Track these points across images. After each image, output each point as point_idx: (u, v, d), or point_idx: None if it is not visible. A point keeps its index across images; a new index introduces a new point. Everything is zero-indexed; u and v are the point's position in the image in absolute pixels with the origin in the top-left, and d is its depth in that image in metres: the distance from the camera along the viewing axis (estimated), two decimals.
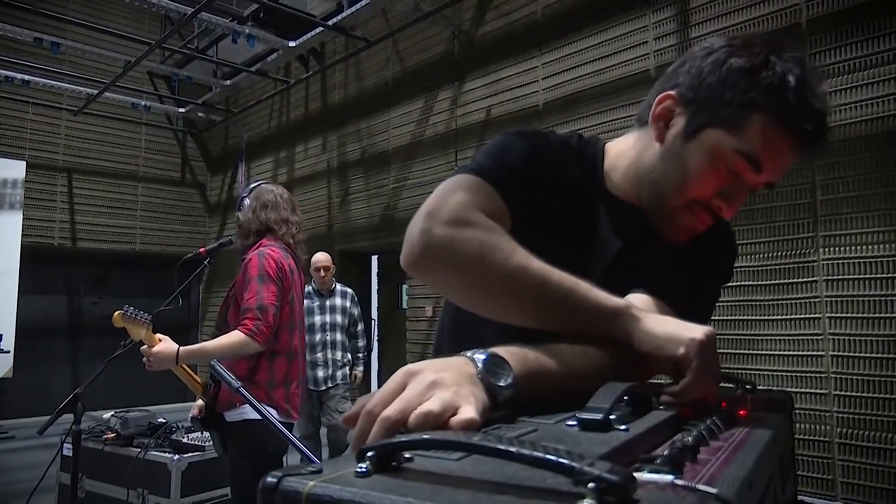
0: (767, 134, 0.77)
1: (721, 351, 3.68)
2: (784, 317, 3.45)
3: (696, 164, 0.81)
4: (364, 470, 0.37)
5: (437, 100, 5.71)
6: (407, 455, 0.40)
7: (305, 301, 3.40)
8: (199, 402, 2.30)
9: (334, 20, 5.72)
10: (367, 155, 6.39)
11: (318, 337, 4.22)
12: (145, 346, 2.06)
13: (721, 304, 3.65)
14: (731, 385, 0.77)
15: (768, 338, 3.50)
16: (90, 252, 7.80)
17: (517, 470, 0.38)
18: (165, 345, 2.08)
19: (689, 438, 0.51)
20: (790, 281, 3.46)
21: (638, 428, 0.52)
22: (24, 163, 7.25)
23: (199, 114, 8.10)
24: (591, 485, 0.32)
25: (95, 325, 7.72)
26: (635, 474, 0.38)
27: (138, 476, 2.86)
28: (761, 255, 3.57)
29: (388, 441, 0.39)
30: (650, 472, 0.40)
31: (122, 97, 7.28)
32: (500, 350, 0.60)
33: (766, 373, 3.48)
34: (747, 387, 0.77)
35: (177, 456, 2.91)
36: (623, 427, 0.51)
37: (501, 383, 0.56)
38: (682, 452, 0.46)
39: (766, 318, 3.52)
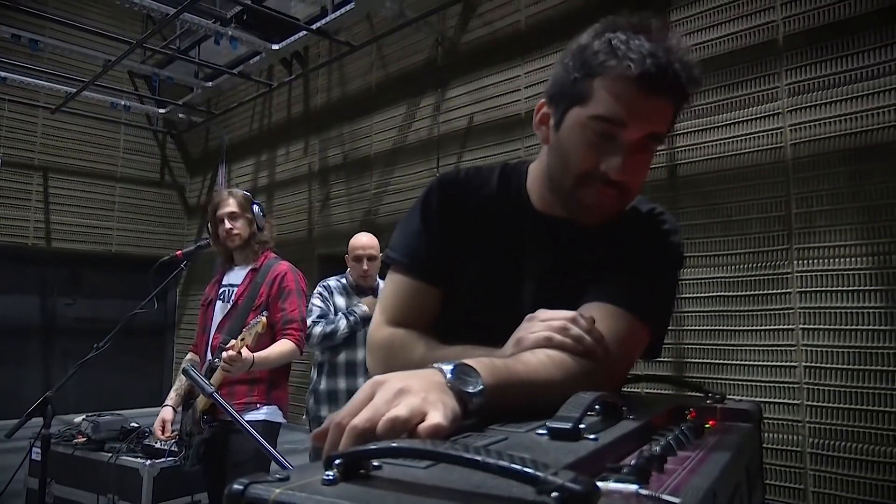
0: (611, 90, 0.81)
1: (695, 360, 3.73)
2: (757, 327, 3.50)
3: (569, 144, 0.87)
4: (331, 478, 0.37)
5: (419, 106, 5.73)
6: (375, 463, 0.40)
7: (340, 300, 3.09)
8: (165, 413, 2.34)
9: (318, 24, 5.70)
10: (349, 160, 6.38)
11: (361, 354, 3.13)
12: (232, 352, 2.09)
13: (695, 314, 3.71)
14: (700, 395, 0.78)
15: (742, 348, 3.55)
16: (65, 252, 7.67)
17: (484, 479, 0.38)
18: (248, 353, 2.14)
19: (657, 448, 0.52)
20: (764, 292, 3.51)
21: (607, 437, 0.53)
22: None
23: (180, 115, 8.02)
24: (554, 494, 0.32)
25: (68, 327, 7.60)
26: (601, 484, 0.39)
27: (109, 481, 2.81)
28: (735, 267, 3.62)
29: (355, 449, 0.39)
30: (616, 481, 0.41)
31: (102, 96, 7.18)
32: (469, 360, 0.61)
33: (739, 383, 3.53)
34: (717, 397, 0.78)
35: (149, 461, 2.87)
36: (592, 436, 0.52)
37: (471, 390, 0.56)
38: (648, 462, 0.47)
39: (739, 328, 3.57)
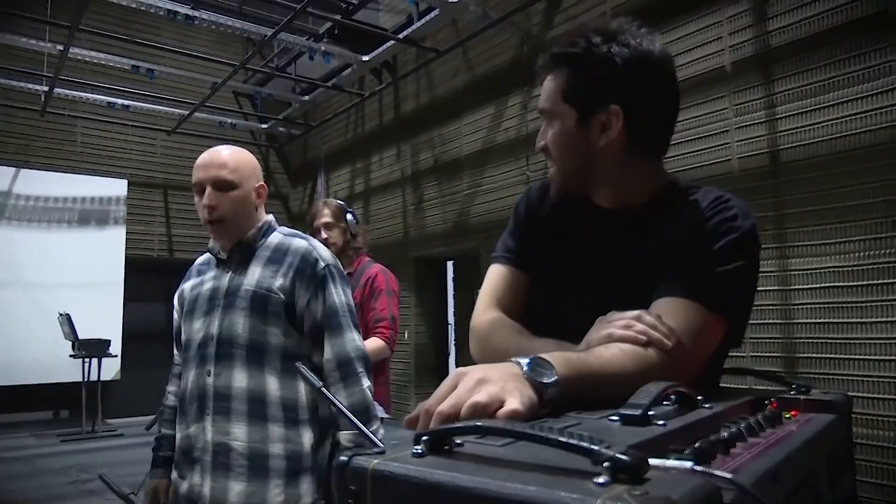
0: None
1: (808, 355, 3.54)
2: (877, 319, 3.28)
3: None
4: (419, 452, 0.44)
5: (507, 105, 5.76)
6: (458, 441, 0.46)
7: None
8: None
9: (405, 33, 5.88)
10: (440, 162, 6.51)
11: None
12: None
13: (807, 306, 3.52)
14: (784, 387, 0.79)
15: (859, 342, 3.33)
16: (185, 262, 8.22)
17: (552, 455, 0.43)
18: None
19: (725, 433, 0.55)
20: (884, 281, 3.28)
21: (676, 423, 0.56)
22: (126, 181, 7.84)
23: (280, 129, 8.49)
24: (606, 464, 0.37)
25: None
26: (656, 460, 0.43)
27: None
28: (852, 255, 3.40)
29: (439, 428, 0.46)
30: (675, 459, 0.45)
31: (211, 116, 7.74)
32: (545, 354, 0.66)
33: (856, 379, 3.32)
34: (802, 388, 0.79)
35: None
36: (661, 422, 0.56)
37: (546, 380, 0.61)
38: (713, 445, 0.51)
39: (856, 320, 3.35)
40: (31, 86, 6.68)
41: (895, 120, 3.27)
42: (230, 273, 1.80)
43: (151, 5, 5.57)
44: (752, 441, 0.57)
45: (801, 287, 3.59)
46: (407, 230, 6.92)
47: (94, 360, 6.67)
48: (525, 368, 0.62)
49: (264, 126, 8.51)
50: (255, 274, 1.76)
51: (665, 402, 0.66)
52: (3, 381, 6.57)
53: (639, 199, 0.98)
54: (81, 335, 6.54)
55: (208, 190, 1.78)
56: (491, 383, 0.57)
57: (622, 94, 0.93)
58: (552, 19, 5.40)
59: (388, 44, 6.13)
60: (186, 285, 1.94)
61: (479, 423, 0.46)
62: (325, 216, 2.59)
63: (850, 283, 3.38)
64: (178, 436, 1.74)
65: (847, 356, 3.37)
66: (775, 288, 3.70)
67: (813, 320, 3.53)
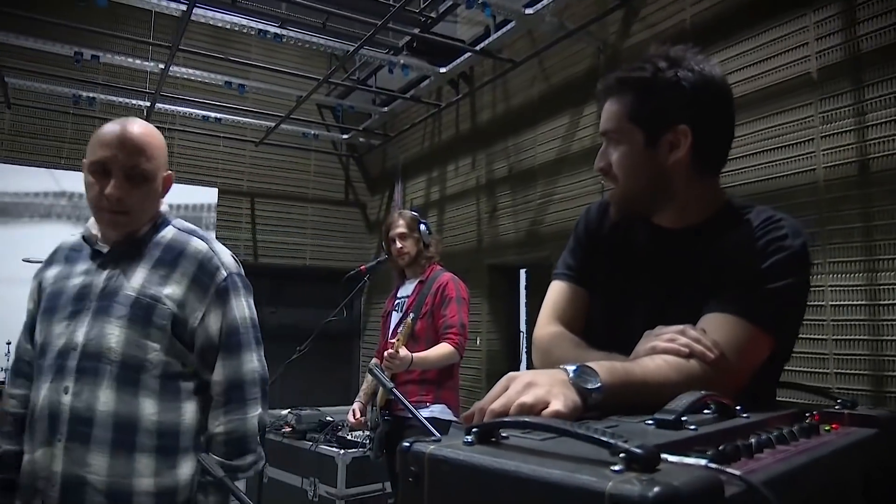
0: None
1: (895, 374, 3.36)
2: None
3: None
4: (469, 441, 0.52)
5: (582, 115, 5.75)
6: (504, 434, 0.54)
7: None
8: (357, 406, 2.68)
9: (482, 45, 5.99)
10: (514, 172, 6.56)
11: None
12: (391, 350, 2.46)
13: (894, 322, 3.34)
14: (829, 401, 0.82)
15: None
16: (269, 267, 8.72)
17: (584, 449, 0.50)
18: (404, 352, 2.48)
19: (753, 440, 0.60)
20: None
21: (707, 429, 0.62)
22: (217, 189, 8.32)
23: (360, 139, 8.79)
24: (621, 454, 0.44)
25: (273, 333, 8.58)
26: (678, 457, 0.49)
27: (311, 466, 3.22)
28: None
29: (486, 422, 0.54)
30: (694, 457, 0.51)
31: (295, 128, 8.11)
32: (591, 363, 0.72)
33: None
34: (847, 403, 0.81)
35: (342, 451, 3.25)
36: (693, 427, 0.61)
37: (590, 386, 0.68)
38: (737, 448, 0.56)
39: None
40: (134, 101, 7.23)
41: None
42: (108, 270, 1.51)
43: (244, 25, 5.94)
44: (781, 448, 0.62)
45: (890, 302, 3.42)
46: (481, 238, 7.00)
47: None
48: (571, 375, 0.69)
49: (345, 137, 8.84)
50: (139, 276, 1.48)
51: (706, 412, 0.71)
52: None
53: (697, 218, 1.02)
54: None
55: (117, 178, 1.46)
56: (538, 387, 0.64)
57: (690, 115, 0.98)
58: (629, 28, 5.36)
59: (465, 55, 6.26)
60: (49, 273, 1.60)
61: (519, 419, 0.54)
62: (400, 227, 2.72)
63: None
64: (24, 457, 1.44)
65: None
66: (863, 303, 3.54)
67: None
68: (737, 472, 0.47)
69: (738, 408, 0.71)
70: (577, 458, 0.48)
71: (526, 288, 7.23)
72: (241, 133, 8.34)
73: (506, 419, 0.54)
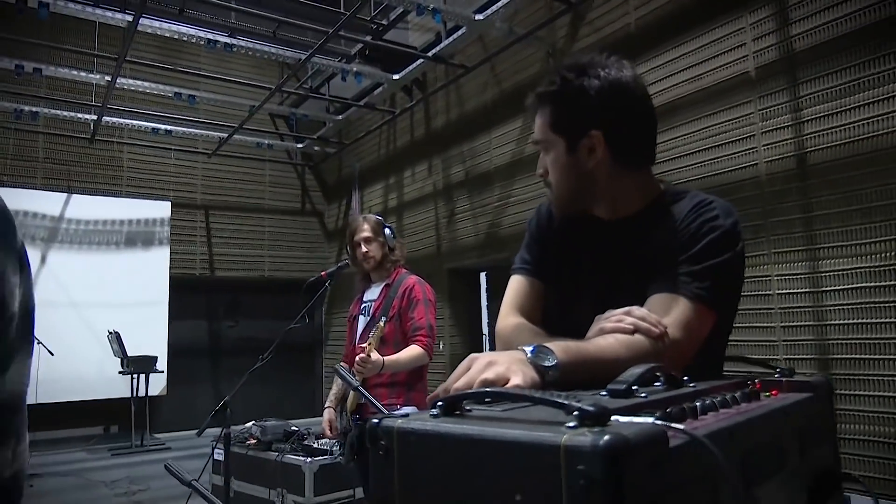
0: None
1: (841, 356, 3.53)
2: None
3: None
4: (435, 414, 0.55)
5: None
6: (468, 407, 0.58)
7: None
8: (328, 416, 2.68)
9: (434, 51, 6.05)
10: (471, 176, 6.63)
11: None
12: (363, 354, 2.43)
13: (838, 307, 3.52)
14: (769, 371, 0.88)
15: (891, 341, 3.32)
16: (226, 280, 8.59)
17: (542, 413, 0.54)
18: (376, 356, 2.46)
19: (699, 403, 0.65)
20: None
21: (657, 396, 0.66)
22: (170, 203, 8.16)
23: (315, 147, 8.75)
24: (575, 413, 0.48)
25: (232, 347, 8.51)
26: (629, 417, 0.54)
27: (278, 477, 3.20)
28: (880, 255, 3.40)
29: (451, 395, 0.57)
30: (643, 416, 0.55)
31: (249, 138, 8.03)
32: (547, 343, 0.77)
33: (890, 378, 3.31)
34: (786, 371, 0.87)
35: (309, 459, 3.23)
36: (643, 395, 0.66)
37: (547, 364, 0.72)
38: (682, 410, 0.61)
39: (890, 320, 3.34)
40: (80, 115, 7.04)
41: None
42: None
43: (192, 35, 5.86)
44: (724, 411, 0.67)
45: (832, 288, 3.60)
46: (440, 243, 7.05)
47: (143, 377, 6.92)
48: (529, 354, 0.73)
49: (300, 145, 8.78)
50: None
51: (656, 384, 0.76)
52: (56, 398, 6.81)
53: (633, 208, 1.09)
54: (129, 352, 6.81)
55: None
56: (499, 364, 0.68)
57: (599, 120, 1.06)
58: (577, 32, 5.49)
59: (418, 62, 6.31)
60: None
61: (480, 391, 0.57)
62: (365, 231, 2.74)
63: (880, 284, 3.38)
64: None
65: (880, 356, 3.36)
66: (807, 290, 3.71)
67: (845, 321, 3.52)
68: (681, 427, 0.51)
69: (685, 378, 0.76)
70: (536, 421, 0.51)
71: (487, 290, 7.30)
72: (192, 145, 8.21)
73: (468, 391, 0.57)
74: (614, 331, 0.86)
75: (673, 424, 0.51)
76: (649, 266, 1.00)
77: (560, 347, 0.76)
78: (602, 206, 1.12)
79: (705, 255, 0.98)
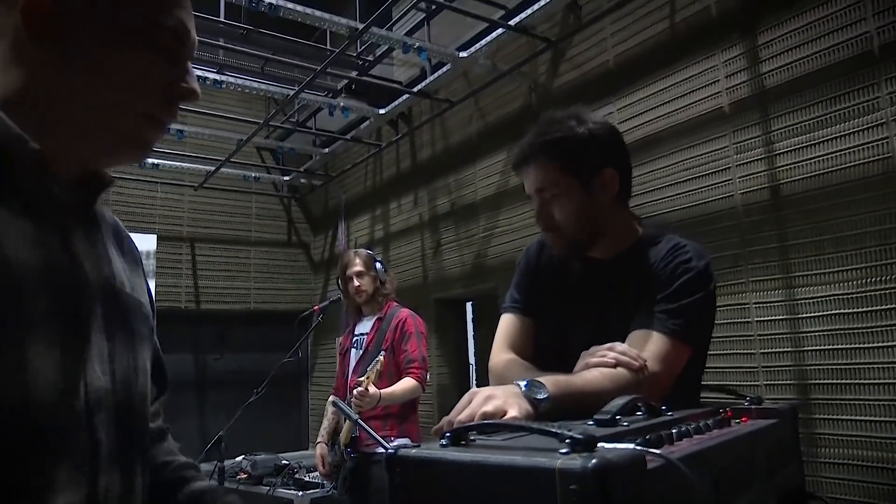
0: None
1: (819, 381, 3.63)
2: (883, 344, 3.39)
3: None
4: (444, 444, 0.63)
5: None
6: (472, 437, 0.65)
7: None
8: (321, 451, 2.72)
9: (419, 86, 6.20)
10: (457, 207, 6.75)
11: None
12: (360, 388, 2.49)
13: (814, 334, 3.64)
14: (740, 399, 0.96)
15: (868, 366, 3.44)
16: (211, 313, 8.57)
17: (538, 441, 0.62)
18: (374, 389, 2.53)
19: (675, 431, 0.73)
20: (888, 307, 3.40)
21: (638, 424, 0.75)
22: (155, 236, 8.18)
23: (302, 180, 8.84)
24: (567, 440, 0.56)
25: (217, 380, 8.46)
26: (613, 444, 0.62)
27: None
28: (853, 283, 3.54)
29: (457, 427, 0.65)
30: (626, 442, 0.63)
31: (235, 171, 8.11)
32: (539, 377, 0.85)
33: (867, 403, 3.41)
34: (755, 399, 0.96)
35: (301, 492, 3.25)
36: (626, 423, 0.74)
37: (539, 397, 0.80)
38: (660, 437, 0.69)
39: (864, 346, 3.46)
40: None
41: (884, 153, 3.45)
42: None
43: None
44: (697, 437, 0.75)
45: (808, 315, 3.72)
46: (426, 273, 7.12)
47: None
48: (523, 388, 0.81)
49: (286, 178, 8.87)
50: None
51: (638, 413, 0.85)
52: None
53: (620, 248, 1.19)
54: None
55: None
56: (497, 398, 0.76)
57: (610, 158, 1.17)
58: (558, 68, 5.68)
59: (403, 97, 6.46)
60: None
61: (483, 423, 0.65)
62: (357, 265, 2.82)
63: (853, 310, 3.51)
64: None
65: (855, 381, 3.47)
66: (784, 317, 3.83)
67: (822, 347, 3.64)
68: (657, 451, 0.59)
69: (664, 408, 0.84)
70: (533, 448, 0.59)
71: (473, 320, 7.36)
72: (179, 178, 8.26)
73: (473, 423, 0.65)
74: (598, 365, 0.94)
75: (651, 449, 0.59)
76: (632, 304, 1.09)
77: (550, 381, 0.84)
78: (602, 243, 1.21)
79: (680, 295, 1.08)
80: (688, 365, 1.04)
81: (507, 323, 1.27)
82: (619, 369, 0.93)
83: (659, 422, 0.78)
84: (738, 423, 0.87)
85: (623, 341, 1.00)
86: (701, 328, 1.11)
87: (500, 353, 1.21)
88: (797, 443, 0.95)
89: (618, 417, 0.75)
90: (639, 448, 0.60)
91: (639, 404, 0.83)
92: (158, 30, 0.80)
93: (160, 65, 0.81)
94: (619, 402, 0.77)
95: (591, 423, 0.76)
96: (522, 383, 0.81)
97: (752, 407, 0.93)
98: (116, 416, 0.77)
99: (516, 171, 1.26)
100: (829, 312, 3.62)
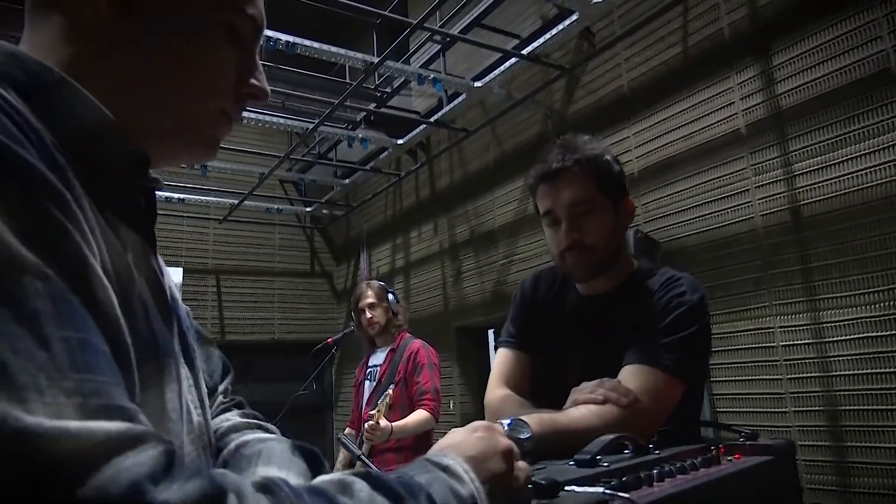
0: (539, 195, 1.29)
1: (849, 408, 3.52)
2: None
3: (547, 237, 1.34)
4: None
5: None
6: None
7: None
8: None
9: (436, 116, 6.28)
10: (476, 234, 6.76)
11: None
12: (371, 422, 2.51)
13: (843, 358, 3.54)
14: (735, 435, 0.94)
15: None
16: (236, 343, 8.65)
17: None
18: (385, 423, 2.54)
19: (656, 471, 0.72)
20: None
21: (619, 464, 0.73)
22: (182, 269, 8.32)
23: (324, 211, 8.95)
24: (530, 486, 0.55)
25: None
26: (584, 488, 0.61)
27: None
28: (880, 305, 3.44)
29: None
30: (598, 486, 0.62)
31: (259, 203, 8.24)
32: (524, 416, 0.84)
33: None
34: (750, 434, 0.94)
35: None
36: (605, 464, 0.72)
37: (522, 436, 0.79)
38: (638, 479, 0.67)
39: (893, 370, 3.36)
40: None
41: None
42: None
43: None
44: (682, 477, 0.73)
45: (835, 339, 3.62)
46: (447, 301, 7.12)
47: None
48: (506, 427, 0.80)
49: (308, 209, 8.99)
50: None
51: (626, 451, 0.83)
52: None
53: (616, 282, 1.18)
54: None
55: None
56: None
57: (624, 188, 1.18)
58: (573, 95, 5.70)
59: (421, 127, 6.53)
60: None
61: None
62: (369, 297, 2.84)
63: (881, 333, 3.41)
64: None
65: (888, 406, 3.36)
66: (810, 341, 3.73)
67: (851, 371, 3.53)
68: (626, 496, 0.58)
69: (651, 445, 0.83)
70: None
71: (495, 347, 7.30)
72: (204, 211, 8.43)
73: None
74: (587, 402, 0.93)
75: (619, 493, 0.58)
76: (626, 338, 1.08)
77: (535, 420, 0.83)
78: (605, 273, 1.21)
79: (673, 329, 1.07)
80: (683, 400, 1.02)
81: (502, 358, 1.26)
82: (608, 406, 0.91)
83: (642, 461, 0.76)
84: (731, 460, 0.85)
85: (616, 375, 0.99)
86: (695, 363, 1.09)
87: (496, 389, 1.21)
88: (796, 480, 0.92)
89: (598, 457, 0.73)
90: (607, 492, 0.59)
91: (625, 442, 0.81)
92: (242, 17, 0.68)
93: (238, 56, 0.70)
94: (603, 440, 0.76)
95: (571, 462, 0.75)
96: (506, 422, 0.80)
97: (747, 443, 0.90)
98: (206, 451, 0.69)
99: (542, 185, 1.24)
100: (857, 336, 3.52)
